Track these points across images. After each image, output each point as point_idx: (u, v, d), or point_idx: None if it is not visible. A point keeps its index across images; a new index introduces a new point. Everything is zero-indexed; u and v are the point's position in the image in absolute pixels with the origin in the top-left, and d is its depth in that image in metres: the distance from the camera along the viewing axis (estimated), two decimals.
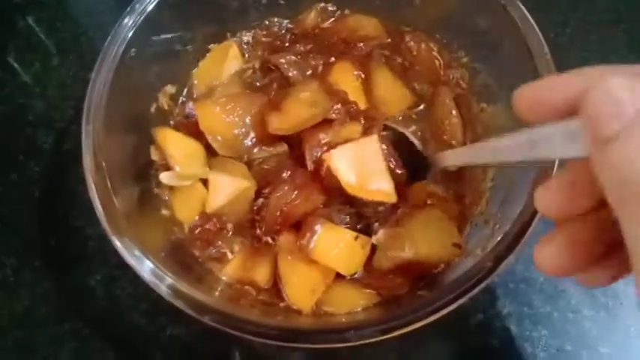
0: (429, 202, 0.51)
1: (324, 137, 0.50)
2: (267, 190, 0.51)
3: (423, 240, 0.47)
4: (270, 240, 0.52)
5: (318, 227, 0.48)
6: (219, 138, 0.52)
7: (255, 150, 0.52)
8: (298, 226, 0.50)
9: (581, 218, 0.30)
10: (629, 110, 0.23)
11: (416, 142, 0.54)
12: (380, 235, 0.48)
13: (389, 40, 0.59)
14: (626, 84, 0.24)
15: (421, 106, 0.58)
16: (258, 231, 0.51)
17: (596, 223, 0.30)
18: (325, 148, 0.50)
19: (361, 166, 0.49)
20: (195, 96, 0.58)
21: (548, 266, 0.31)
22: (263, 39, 0.61)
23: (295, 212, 0.50)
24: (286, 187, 0.49)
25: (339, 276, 0.49)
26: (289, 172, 0.50)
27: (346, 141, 0.50)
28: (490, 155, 0.37)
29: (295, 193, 0.49)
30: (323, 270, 0.48)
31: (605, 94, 0.24)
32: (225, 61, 0.57)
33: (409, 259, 0.47)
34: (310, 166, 0.50)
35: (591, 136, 0.25)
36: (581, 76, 0.28)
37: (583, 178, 0.28)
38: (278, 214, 0.49)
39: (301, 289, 0.49)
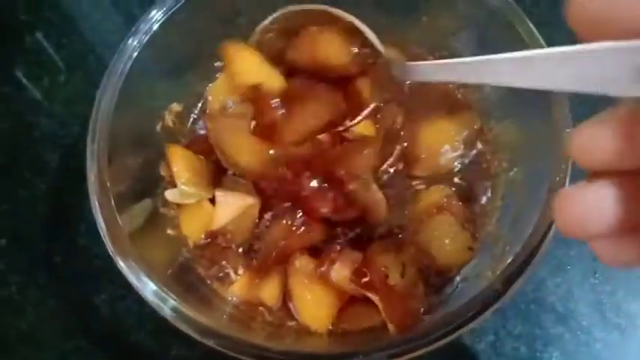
0: (444, 201, 0.50)
1: None
2: (268, 216, 0.50)
3: (439, 250, 0.48)
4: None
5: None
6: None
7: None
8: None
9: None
10: None
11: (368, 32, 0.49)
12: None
13: None
14: None
15: None
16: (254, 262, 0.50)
17: None
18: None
19: None
20: (208, 112, 0.58)
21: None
22: None
23: (290, 249, 0.49)
24: (284, 222, 0.49)
25: None
26: (289, 205, 0.49)
27: None
28: (509, 72, 0.28)
29: (294, 229, 0.49)
30: (340, 291, 0.48)
31: None
32: None
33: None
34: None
35: None
36: None
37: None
38: (273, 253, 0.49)
39: (317, 309, 0.48)
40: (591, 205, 0.24)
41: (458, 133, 0.54)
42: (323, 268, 0.47)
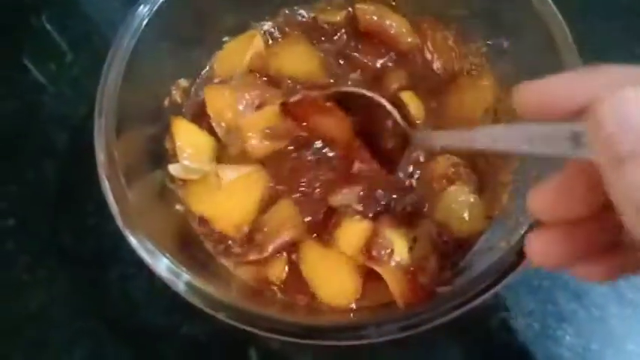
0: (453, 170, 0.50)
1: None
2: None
3: (457, 221, 0.48)
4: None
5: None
6: (222, 124, 0.52)
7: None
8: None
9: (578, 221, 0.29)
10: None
11: (394, 112, 0.46)
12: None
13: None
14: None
15: None
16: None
17: (594, 228, 0.29)
18: None
19: None
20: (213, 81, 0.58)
21: (539, 255, 0.31)
22: (286, 28, 0.60)
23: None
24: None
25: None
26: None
27: None
28: (485, 141, 0.35)
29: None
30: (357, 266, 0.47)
31: (616, 110, 0.23)
32: (248, 51, 0.56)
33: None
34: None
35: (602, 152, 0.23)
36: (593, 78, 0.26)
37: (582, 183, 0.28)
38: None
39: (338, 287, 0.48)
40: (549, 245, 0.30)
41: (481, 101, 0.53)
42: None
